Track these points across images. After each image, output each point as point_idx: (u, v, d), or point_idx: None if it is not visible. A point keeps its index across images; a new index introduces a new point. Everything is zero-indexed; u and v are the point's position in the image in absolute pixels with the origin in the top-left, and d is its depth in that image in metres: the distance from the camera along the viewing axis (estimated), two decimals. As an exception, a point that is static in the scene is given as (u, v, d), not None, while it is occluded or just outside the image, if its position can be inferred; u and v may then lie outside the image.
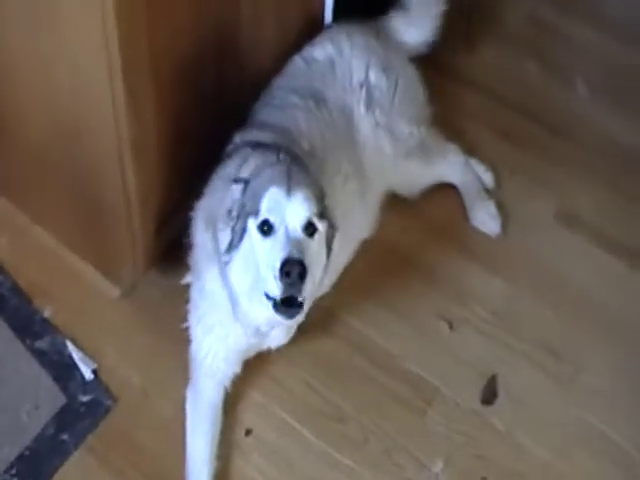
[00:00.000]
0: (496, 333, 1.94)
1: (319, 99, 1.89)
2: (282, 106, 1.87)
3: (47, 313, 1.91)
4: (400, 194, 2.08)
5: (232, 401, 1.82)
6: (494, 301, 1.99)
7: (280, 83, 1.93)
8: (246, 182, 1.60)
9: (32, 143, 1.89)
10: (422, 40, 2.14)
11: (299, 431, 1.80)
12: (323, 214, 1.57)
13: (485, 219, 2.09)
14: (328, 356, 1.90)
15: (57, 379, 1.81)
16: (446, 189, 2.15)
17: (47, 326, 1.88)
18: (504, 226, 2.09)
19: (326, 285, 1.83)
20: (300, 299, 1.49)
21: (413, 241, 2.08)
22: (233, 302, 1.64)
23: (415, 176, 2.09)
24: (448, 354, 1.92)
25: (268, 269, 1.49)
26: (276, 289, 1.47)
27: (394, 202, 2.06)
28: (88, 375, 1.82)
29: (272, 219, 1.52)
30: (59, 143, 1.81)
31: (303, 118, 1.84)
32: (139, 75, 1.63)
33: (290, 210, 1.52)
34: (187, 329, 1.79)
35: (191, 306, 1.78)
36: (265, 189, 1.54)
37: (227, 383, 1.80)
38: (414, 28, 2.13)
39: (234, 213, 1.57)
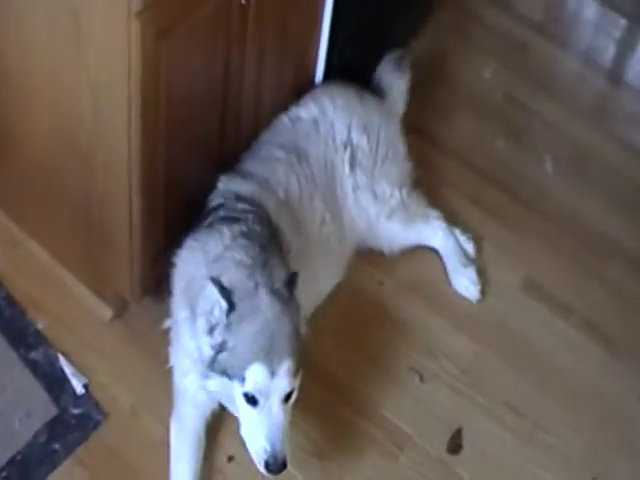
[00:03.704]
0: (462, 388, 2.23)
1: (301, 155, 2.19)
2: (266, 158, 2.17)
3: (40, 325, 2.12)
4: (379, 250, 2.38)
5: (215, 428, 2.05)
6: (462, 358, 2.28)
7: (267, 138, 2.24)
8: (229, 303, 1.75)
9: (40, 161, 2.09)
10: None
11: (279, 462, 2.06)
12: (299, 368, 1.81)
13: (466, 285, 2.39)
14: (309, 396, 2.06)
15: (49, 390, 2.01)
16: (424, 249, 2.44)
17: (40, 338, 2.08)
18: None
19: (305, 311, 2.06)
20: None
21: (388, 295, 2.36)
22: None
23: (396, 237, 2.37)
24: (419, 404, 2.19)
25: (252, 446, 1.79)
26: (260, 466, 1.79)
27: (372, 256, 2.36)
28: (79, 389, 2.03)
29: (257, 396, 1.77)
30: (69, 166, 2.01)
31: (283, 170, 2.15)
32: (154, 117, 1.85)
33: (273, 387, 1.77)
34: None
35: (171, 348, 2.00)
36: (248, 360, 1.75)
37: (208, 413, 2.02)
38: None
39: (215, 340, 1.77)
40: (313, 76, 2.44)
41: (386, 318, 2.32)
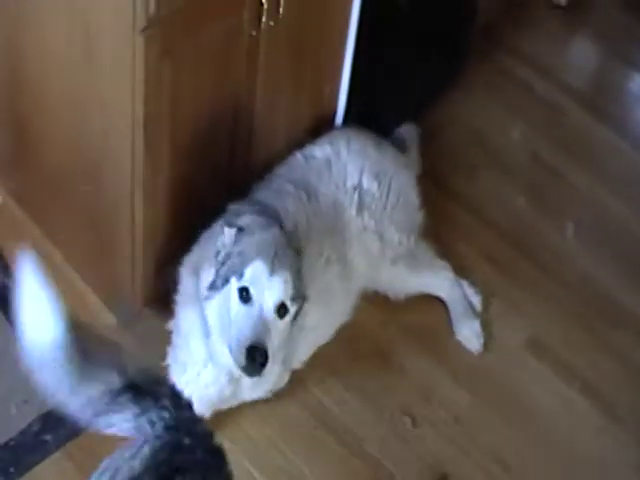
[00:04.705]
0: (454, 437, 2.29)
1: (311, 192, 2.30)
2: (277, 191, 2.28)
3: (47, 321, 2.28)
4: (385, 294, 2.47)
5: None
6: (456, 407, 2.35)
7: (281, 172, 2.36)
8: (239, 229, 1.98)
9: (55, 165, 2.23)
10: None
11: (262, 484, 2.13)
12: (296, 296, 1.95)
13: (469, 336, 2.47)
14: (296, 423, 2.24)
15: (49, 383, 2.16)
16: (431, 296, 2.53)
17: (46, 333, 2.24)
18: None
19: (302, 359, 2.24)
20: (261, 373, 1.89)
21: (389, 336, 2.45)
22: (208, 340, 2.01)
23: (400, 282, 2.47)
24: (406, 446, 2.26)
25: (238, 340, 1.88)
26: (240, 362, 1.89)
27: (378, 298, 2.45)
28: (77, 387, 2.18)
29: (252, 290, 1.91)
30: (79, 173, 2.16)
31: (292, 204, 2.25)
32: (158, 132, 1.98)
33: (269, 288, 1.91)
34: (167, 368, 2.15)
35: (171, 346, 2.15)
36: (252, 258, 1.93)
37: None
38: None
39: (221, 256, 1.97)
40: (332, 119, 2.56)
41: (385, 359, 2.41)
